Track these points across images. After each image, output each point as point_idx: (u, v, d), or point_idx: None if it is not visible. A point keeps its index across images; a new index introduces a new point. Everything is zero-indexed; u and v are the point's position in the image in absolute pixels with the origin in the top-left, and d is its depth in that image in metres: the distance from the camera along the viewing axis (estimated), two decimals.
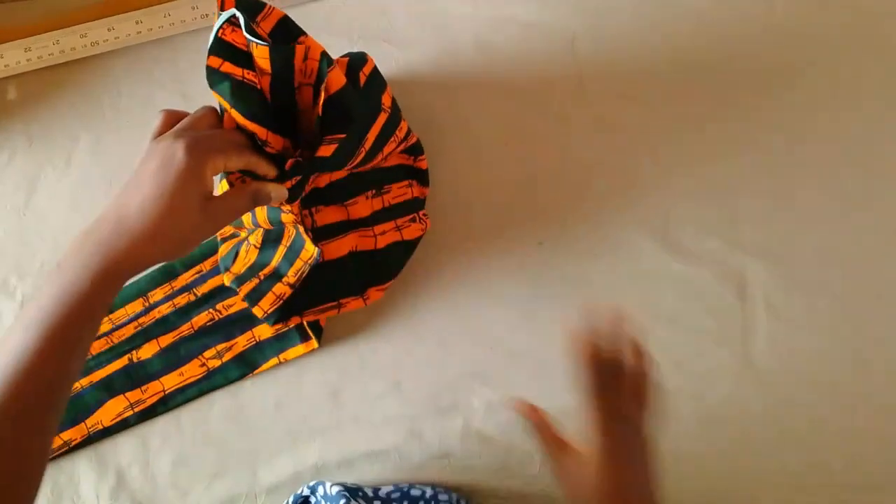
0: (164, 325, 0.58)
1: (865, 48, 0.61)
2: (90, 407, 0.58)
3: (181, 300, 0.59)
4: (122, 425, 0.58)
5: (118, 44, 0.60)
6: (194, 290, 0.59)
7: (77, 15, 0.59)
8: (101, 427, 0.58)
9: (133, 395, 0.58)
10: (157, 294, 0.59)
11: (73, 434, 0.58)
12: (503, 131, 0.60)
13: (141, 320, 0.58)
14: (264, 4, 0.43)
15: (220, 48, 0.43)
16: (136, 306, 0.58)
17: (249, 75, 0.44)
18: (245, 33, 0.42)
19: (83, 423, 0.58)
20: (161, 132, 0.42)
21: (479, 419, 0.58)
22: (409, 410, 0.58)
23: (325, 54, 0.45)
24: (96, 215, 0.40)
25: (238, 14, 0.42)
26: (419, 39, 0.60)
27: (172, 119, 0.43)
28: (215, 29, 0.43)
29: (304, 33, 0.45)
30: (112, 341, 0.58)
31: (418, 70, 0.60)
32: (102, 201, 0.59)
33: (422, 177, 0.59)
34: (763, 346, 0.59)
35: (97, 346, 0.58)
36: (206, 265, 0.59)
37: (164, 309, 0.58)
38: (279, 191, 0.45)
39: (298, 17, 0.60)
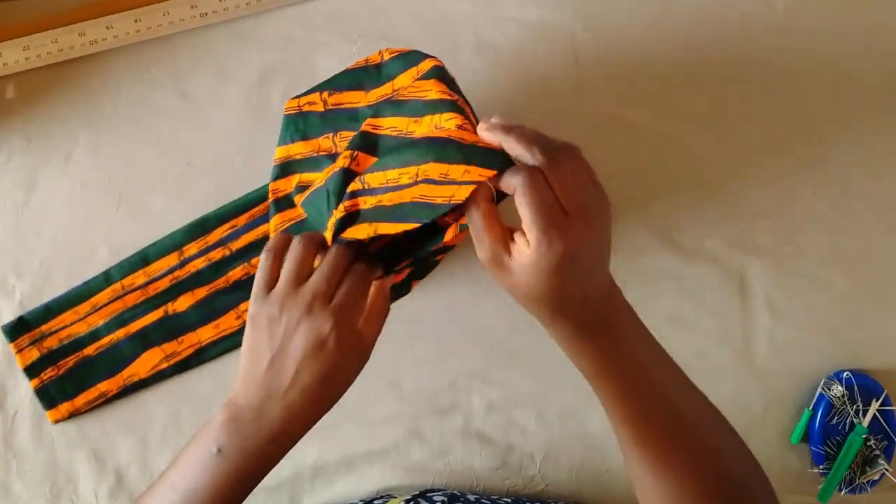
0: (199, 278, 0.58)
1: (866, 48, 0.61)
2: (126, 358, 0.57)
3: (216, 255, 0.58)
4: (158, 377, 0.57)
5: (117, 42, 0.59)
6: (229, 244, 0.58)
7: (76, 13, 0.59)
8: (137, 379, 0.57)
9: (169, 346, 0.58)
10: (192, 248, 0.58)
11: (109, 386, 0.57)
12: None
13: (176, 273, 0.58)
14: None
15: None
16: (171, 260, 0.58)
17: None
18: None
19: (119, 375, 0.57)
20: (270, 283, 0.42)
21: (479, 419, 0.58)
22: (409, 410, 0.58)
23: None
24: (232, 392, 0.41)
25: None
26: (419, 39, 0.60)
27: (276, 267, 0.42)
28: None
29: None
30: (148, 293, 0.58)
31: None
32: (101, 200, 0.59)
33: None
34: (763, 345, 0.59)
35: (132, 299, 0.58)
36: (241, 220, 0.58)
37: (199, 263, 0.58)
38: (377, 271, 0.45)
39: (298, 16, 0.61)
